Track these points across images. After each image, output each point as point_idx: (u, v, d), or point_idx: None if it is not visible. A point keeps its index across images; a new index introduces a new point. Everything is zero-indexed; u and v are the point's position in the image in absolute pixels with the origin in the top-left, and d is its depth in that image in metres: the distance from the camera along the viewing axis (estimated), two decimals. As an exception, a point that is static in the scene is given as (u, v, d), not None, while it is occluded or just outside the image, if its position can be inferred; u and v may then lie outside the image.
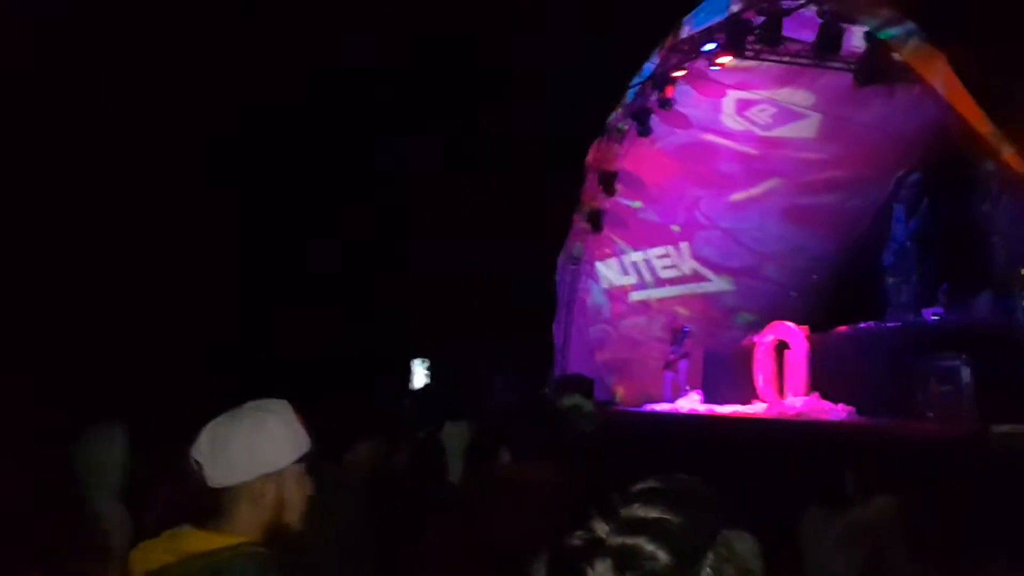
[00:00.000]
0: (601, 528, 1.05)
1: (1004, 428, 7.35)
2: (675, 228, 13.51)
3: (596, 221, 13.50)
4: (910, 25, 7.89)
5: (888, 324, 9.97)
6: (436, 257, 14.37)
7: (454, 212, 14.43)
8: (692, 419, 11.45)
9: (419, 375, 15.24)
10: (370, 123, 13.89)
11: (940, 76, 7.60)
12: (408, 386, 14.81)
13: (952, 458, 7.05)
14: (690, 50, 11.10)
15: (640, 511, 1.05)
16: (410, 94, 13.83)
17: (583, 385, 11.82)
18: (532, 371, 13.58)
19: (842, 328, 10.72)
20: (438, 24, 13.23)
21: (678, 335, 13.16)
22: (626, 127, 12.74)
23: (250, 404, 1.78)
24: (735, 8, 9.89)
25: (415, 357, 15.26)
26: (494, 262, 14.16)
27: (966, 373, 8.06)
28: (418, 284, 14.23)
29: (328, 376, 11.06)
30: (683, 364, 13.03)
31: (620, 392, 13.95)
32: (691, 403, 12.35)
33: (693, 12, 10.80)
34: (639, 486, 1.10)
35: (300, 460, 1.78)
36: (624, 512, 1.06)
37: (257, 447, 1.71)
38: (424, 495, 4.06)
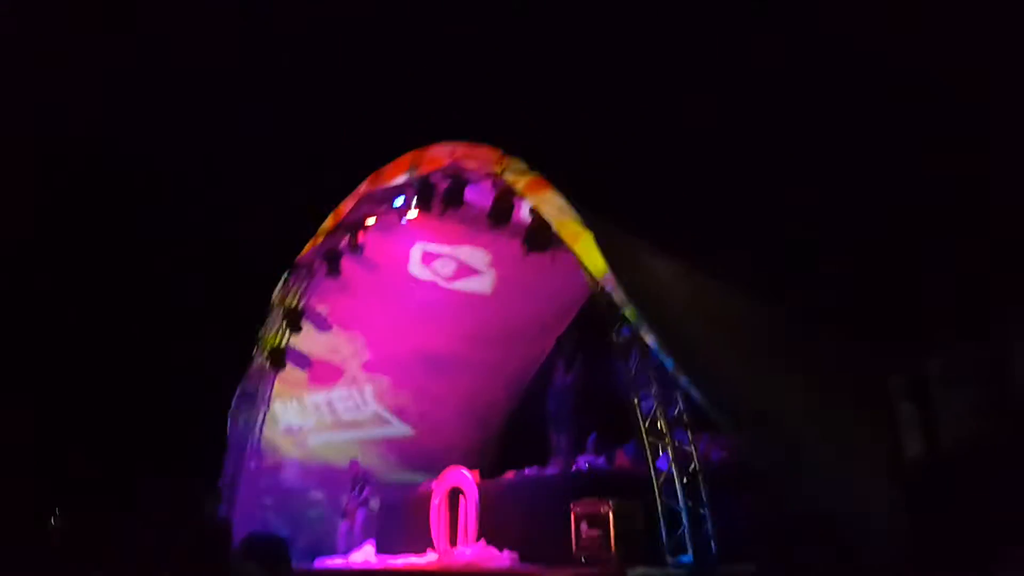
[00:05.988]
0: None
1: (638, 571, 8.09)
2: (355, 366, 13.50)
3: (278, 359, 12.99)
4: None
5: (547, 471, 10.63)
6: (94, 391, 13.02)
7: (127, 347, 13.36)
8: (365, 574, 11.06)
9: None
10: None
11: (586, 250, 8.69)
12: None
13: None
14: (381, 200, 11.58)
15: None
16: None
17: (271, 546, 10.84)
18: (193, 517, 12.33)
19: (509, 474, 11.25)
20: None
21: (358, 482, 12.82)
22: (316, 266, 12.70)
23: None
24: (423, 172, 10.64)
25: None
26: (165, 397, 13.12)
27: (610, 518, 8.81)
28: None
29: None
30: (360, 513, 12.66)
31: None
32: (365, 555, 11.94)
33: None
34: None
35: None
36: None
37: None
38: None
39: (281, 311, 12.86)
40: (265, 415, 12.99)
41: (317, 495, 13.36)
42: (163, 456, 12.58)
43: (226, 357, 13.07)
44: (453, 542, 10.89)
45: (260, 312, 12.91)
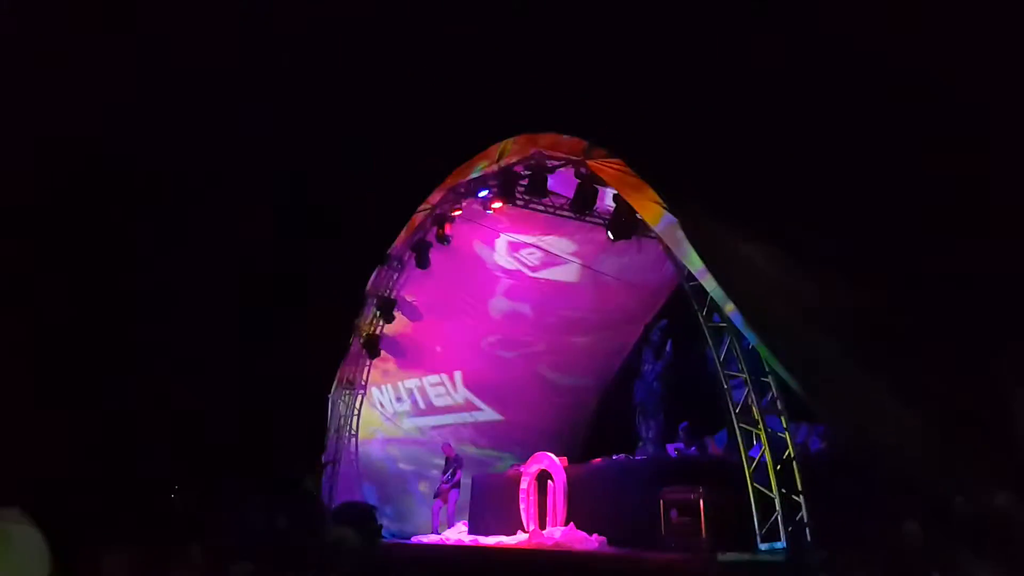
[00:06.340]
0: None
1: (728, 556, 8.09)
2: (444, 353, 13.90)
3: (373, 347, 13.51)
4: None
5: (636, 458, 10.69)
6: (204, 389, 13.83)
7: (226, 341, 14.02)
8: (458, 551, 11.40)
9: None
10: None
11: (674, 238, 8.67)
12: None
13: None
14: (467, 192, 11.82)
15: None
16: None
17: (362, 514, 11.43)
18: (295, 497, 13.04)
19: (596, 460, 11.35)
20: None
21: (450, 464, 13.23)
22: (406, 258, 13.10)
23: None
24: (507, 162, 10.80)
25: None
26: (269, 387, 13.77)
27: (701, 505, 8.81)
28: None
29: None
30: (453, 494, 13.05)
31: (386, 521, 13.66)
32: (458, 534, 12.32)
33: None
34: None
35: None
36: None
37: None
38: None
39: (374, 301, 13.35)
40: (362, 398, 13.60)
41: (407, 469, 13.99)
42: (271, 437, 13.23)
43: (327, 347, 13.64)
44: (542, 525, 11.10)
45: (355, 303, 13.40)
